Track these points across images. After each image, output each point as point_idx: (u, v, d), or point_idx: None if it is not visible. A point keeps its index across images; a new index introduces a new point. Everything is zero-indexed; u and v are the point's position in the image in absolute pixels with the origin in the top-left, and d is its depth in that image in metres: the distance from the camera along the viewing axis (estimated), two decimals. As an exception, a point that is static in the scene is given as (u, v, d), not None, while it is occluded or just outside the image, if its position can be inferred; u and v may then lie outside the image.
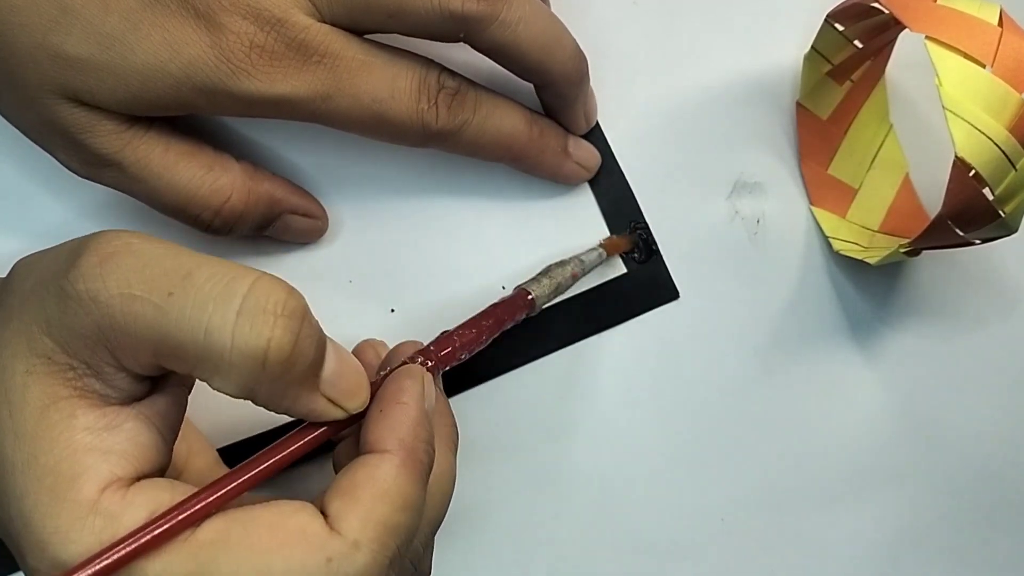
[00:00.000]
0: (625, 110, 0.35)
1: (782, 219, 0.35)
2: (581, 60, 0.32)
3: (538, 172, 0.34)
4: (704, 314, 0.35)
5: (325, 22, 0.28)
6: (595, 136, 0.35)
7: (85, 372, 0.22)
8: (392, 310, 0.34)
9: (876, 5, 0.29)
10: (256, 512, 0.22)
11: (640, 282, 0.35)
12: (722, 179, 0.35)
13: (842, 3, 0.32)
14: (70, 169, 0.29)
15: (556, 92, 0.32)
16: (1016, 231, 0.30)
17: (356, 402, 0.24)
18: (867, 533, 0.36)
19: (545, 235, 0.34)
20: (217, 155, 0.30)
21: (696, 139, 0.35)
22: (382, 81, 0.29)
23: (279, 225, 0.32)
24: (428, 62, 0.30)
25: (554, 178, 0.34)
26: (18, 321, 0.22)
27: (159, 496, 0.22)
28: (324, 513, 0.23)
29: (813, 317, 0.35)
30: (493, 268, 0.34)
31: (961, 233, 0.29)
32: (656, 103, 0.35)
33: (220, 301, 0.21)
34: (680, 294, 0.35)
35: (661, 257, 0.35)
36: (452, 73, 0.30)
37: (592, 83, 0.34)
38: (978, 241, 0.30)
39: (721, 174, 0.35)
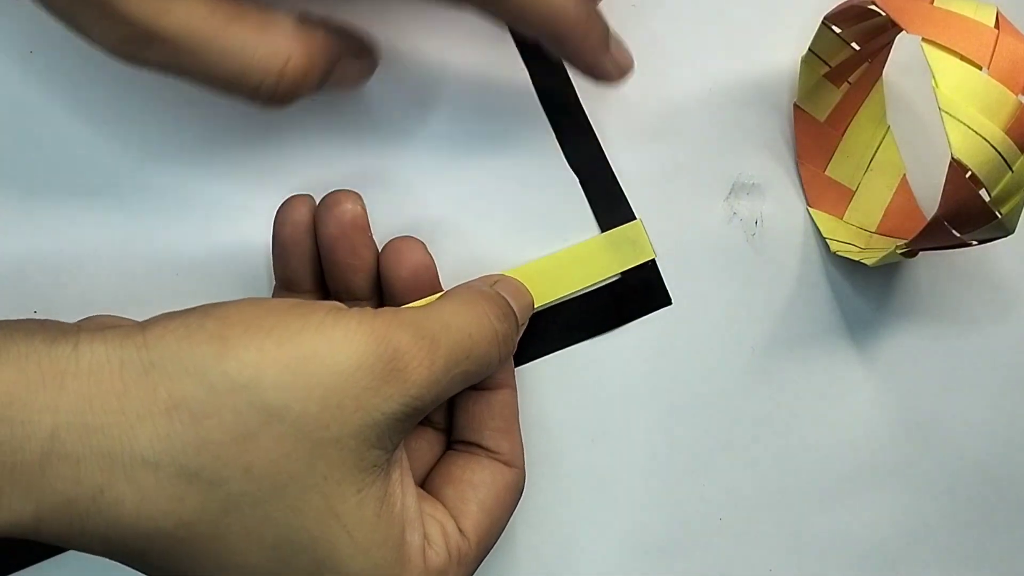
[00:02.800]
0: (624, 112, 0.35)
1: (780, 220, 0.36)
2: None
3: (575, 60, 0.31)
4: (702, 315, 0.35)
5: None
6: (587, 138, 0.35)
7: (391, 453, 0.26)
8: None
9: (873, 7, 0.29)
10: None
11: (633, 288, 0.35)
12: (720, 181, 0.35)
13: (839, 5, 0.32)
14: (109, 51, 0.26)
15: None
16: (1013, 232, 0.30)
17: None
18: (864, 532, 0.36)
19: (536, 237, 0.34)
20: (266, 12, 0.27)
21: (694, 141, 0.35)
22: None
23: (336, 75, 0.29)
24: None
25: (588, 71, 0.31)
26: (336, 449, 0.24)
27: (440, 537, 0.27)
28: (458, 522, 0.28)
29: (811, 318, 0.35)
30: (483, 269, 0.34)
31: (958, 234, 0.29)
32: (654, 105, 0.35)
33: None
34: (676, 297, 0.35)
35: (655, 262, 0.35)
36: None
37: (589, 84, 0.34)
38: (975, 242, 0.30)
39: (719, 176, 0.35)
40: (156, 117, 0.33)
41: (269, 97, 0.27)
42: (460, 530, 0.28)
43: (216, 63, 0.26)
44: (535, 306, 0.33)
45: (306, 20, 0.28)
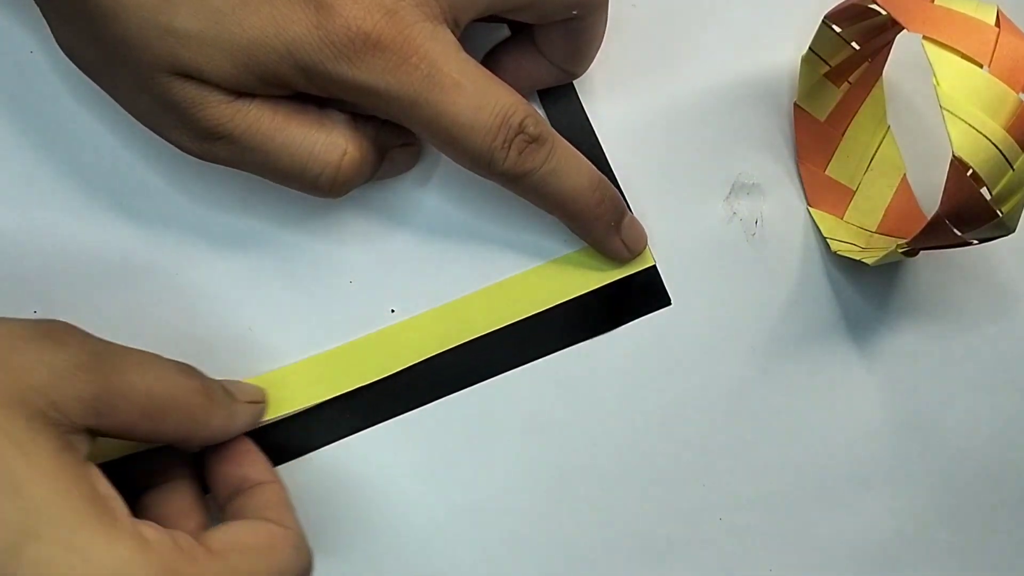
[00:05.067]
0: (623, 112, 0.35)
1: (780, 220, 0.36)
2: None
3: (582, 236, 0.33)
4: (702, 315, 0.35)
5: (432, 21, 0.27)
6: (587, 137, 0.35)
7: (70, 429, 0.24)
8: (392, 310, 0.34)
9: (874, 6, 0.29)
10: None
11: (632, 288, 0.35)
12: (720, 180, 0.35)
13: (839, 4, 0.32)
14: (183, 148, 0.29)
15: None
16: (1014, 231, 0.30)
17: None
18: (865, 532, 0.36)
19: (536, 240, 0.34)
20: (322, 110, 0.29)
21: (694, 141, 0.35)
22: (467, 109, 0.28)
23: (385, 164, 0.31)
24: (517, 101, 0.29)
25: (595, 247, 0.34)
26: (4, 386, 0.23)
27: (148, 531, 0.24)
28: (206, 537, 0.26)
29: (811, 317, 0.35)
30: (486, 270, 0.34)
31: (959, 233, 0.29)
32: (654, 105, 0.35)
33: None
34: (676, 297, 0.35)
35: (654, 263, 0.35)
36: (536, 119, 0.29)
37: (590, 84, 0.34)
38: (976, 241, 0.30)
39: (719, 175, 0.35)
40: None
41: (328, 188, 0.29)
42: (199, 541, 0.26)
43: (278, 158, 0.28)
44: (544, 307, 0.33)
45: (359, 116, 0.30)
